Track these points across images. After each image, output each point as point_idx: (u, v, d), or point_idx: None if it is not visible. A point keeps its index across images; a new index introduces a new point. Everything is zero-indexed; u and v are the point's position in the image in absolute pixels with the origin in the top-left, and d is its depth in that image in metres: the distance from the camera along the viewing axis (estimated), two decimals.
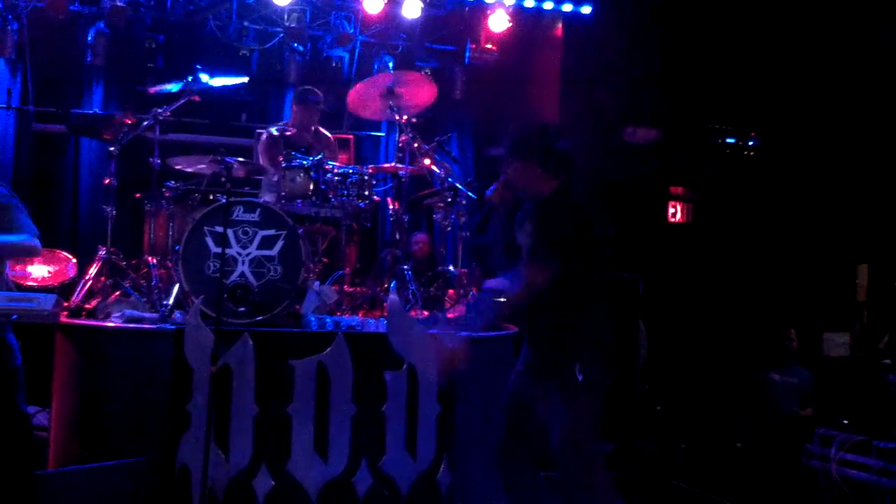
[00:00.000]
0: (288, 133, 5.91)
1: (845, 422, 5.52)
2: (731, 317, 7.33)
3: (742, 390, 6.93)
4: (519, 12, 7.98)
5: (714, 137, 7.59)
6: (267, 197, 5.72)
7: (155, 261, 5.35)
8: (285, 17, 7.61)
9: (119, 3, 6.99)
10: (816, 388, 6.68)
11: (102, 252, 5.36)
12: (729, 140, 7.59)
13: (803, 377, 6.75)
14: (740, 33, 7.41)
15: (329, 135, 6.50)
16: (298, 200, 5.50)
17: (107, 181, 5.53)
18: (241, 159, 5.40)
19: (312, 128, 6.34)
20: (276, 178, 5.57)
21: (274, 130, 6.05)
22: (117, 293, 5.27)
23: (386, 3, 7.36)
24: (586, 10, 7.99)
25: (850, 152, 7.09)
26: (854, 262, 6.59)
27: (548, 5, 7.97)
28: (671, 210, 7.96)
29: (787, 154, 7.55)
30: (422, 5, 7.39)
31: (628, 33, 7.66)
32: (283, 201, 5.45)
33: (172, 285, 5.04)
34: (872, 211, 6.96)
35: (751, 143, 7.59)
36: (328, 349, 4.56)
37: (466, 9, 7.98)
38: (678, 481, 6.29)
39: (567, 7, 7.95)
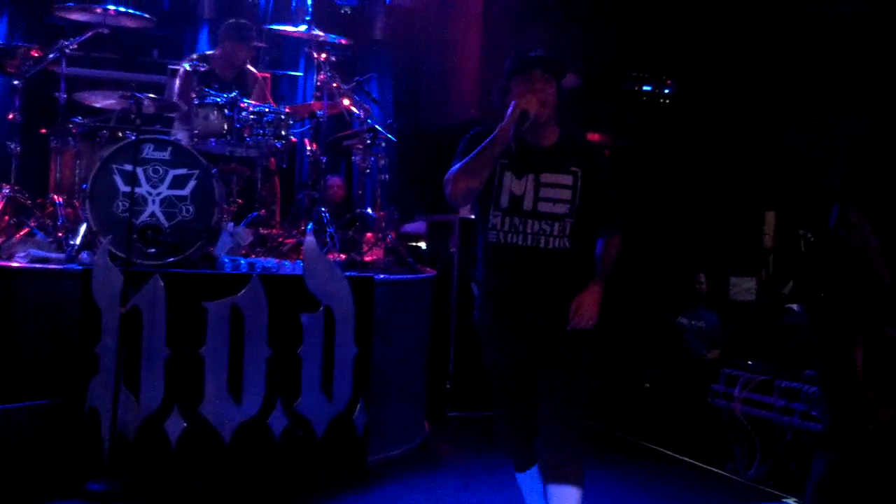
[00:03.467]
0: (202, 69, 5.74)
1: (749, 362, 5.71)
2: (644, 261, 7.48)
3: (651, 333, 7.10)
4: None
5: (631, 85, 7.65)
6: (179, 135, 5.58)
7: (61, 199, 5.19)
8: None
9: None
10: (723, 331, 6.89)
11: (6, 190, 5.17)
12: (646, 87, 7.66)
13: (711, 321, 6.95)
14: None
15: (257, 73, 6.31)
16: (212, 139, 5.39)
17: (11, 116, 5.33)
18: (151, 95, 5.24)
19: (238, 65, 6.16)
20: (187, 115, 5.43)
21: (187, 66, 5.88)
22: (22, 232, 5.11)
23: None
24: None
25: (761, 102, 7.23)
26: (761, 209, 6.78)
27: None
28: None
29: (700, 102, 7.67)
30: None
31: None
32: (196, 140, 5.33)
33: (79, 225, 4.89)
34: (780, 159, 7.14)
35: (667, 91, 7.68)
36: (242, 291, 4.51)
37: None
38: (589, 420, 6.46)
39: None
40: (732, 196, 7.32)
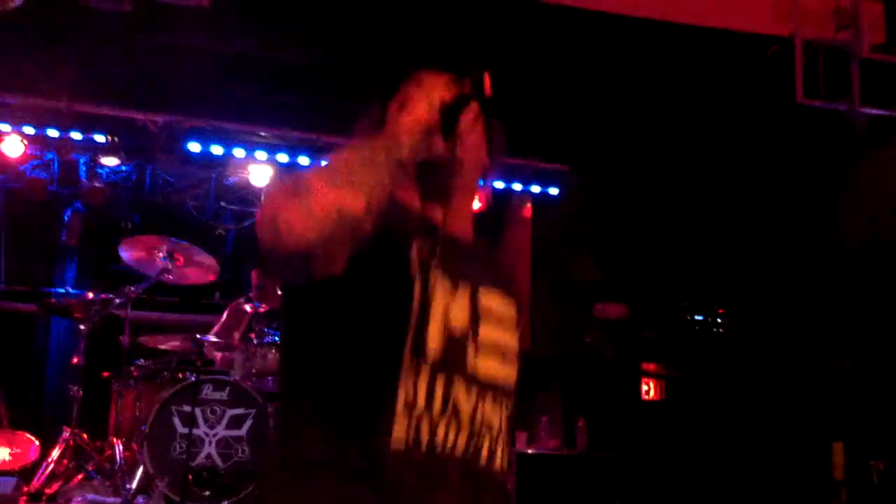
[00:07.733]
0: (262, 309, 5.89)
1: None
2: (708, 497, 7.20)
3: None
4: (490, 193, 8.21)
5: (682, 314, 7.69)
6: (238, 375, 5.66)
7: (120, 442, 5.22)
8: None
9: (97, 184, 7.11)
10: None
11: (67, 434, 5.22)
12: (697, 317, 7.69)
13: None
14: (703, 214, 7.65)
15: None
16: (269, 377, 5.45)
17: (75, 360, 5.46)
18: (212, 338, 5.38)
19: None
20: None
21: (247, 306, 6.03)
22: (80, 476, 5.11)
23: None
24: (553, 191, 8.25)
25: (816, 329, 7.19)
26: (829, 440, 6.55)
27: (517, 187, 8.21)
28: (644, 387, 7.94)
29: (755, 331, 7.64)
30: None
31: (595, 213, 7.88)
32: (254, 378, 5.40)
33: (136, 468, 4.89)
34: (845, 388, 6.99)
35: (718, 321, 7.70)
36: None
37: None
38: None
39: (535, 188, 8.21)
40: (796, 427, 7.12)
